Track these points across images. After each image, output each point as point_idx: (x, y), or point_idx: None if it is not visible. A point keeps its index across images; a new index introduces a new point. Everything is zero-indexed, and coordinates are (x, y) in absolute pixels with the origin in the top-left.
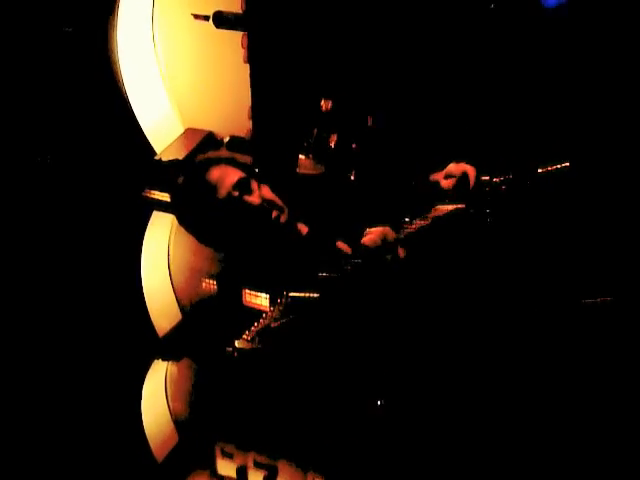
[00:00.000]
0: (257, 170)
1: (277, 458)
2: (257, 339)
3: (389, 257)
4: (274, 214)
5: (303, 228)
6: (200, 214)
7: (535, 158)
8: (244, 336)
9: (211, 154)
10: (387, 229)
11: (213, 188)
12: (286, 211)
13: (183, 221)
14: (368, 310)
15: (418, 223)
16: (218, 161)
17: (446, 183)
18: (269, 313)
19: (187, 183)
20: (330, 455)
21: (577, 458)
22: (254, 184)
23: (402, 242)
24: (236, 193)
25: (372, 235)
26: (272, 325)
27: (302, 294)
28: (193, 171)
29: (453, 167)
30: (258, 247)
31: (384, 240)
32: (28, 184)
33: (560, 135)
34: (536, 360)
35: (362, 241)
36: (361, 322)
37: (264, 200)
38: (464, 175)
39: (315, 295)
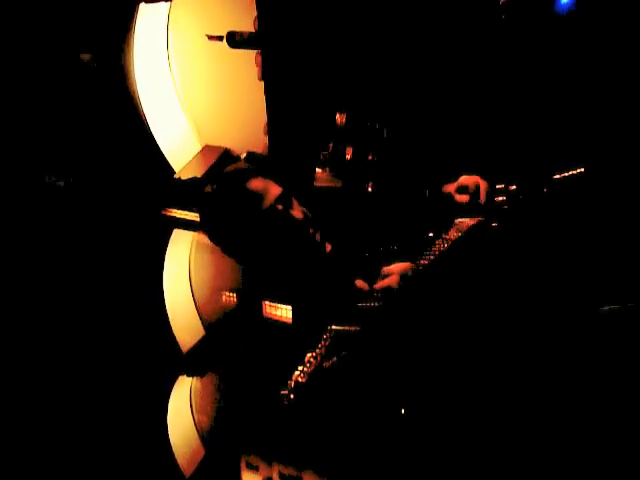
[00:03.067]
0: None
1: (302, 470)
2: (311, 380)
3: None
4: (311, 231)
5: (328, 245)
6: (235, 224)
7: (550, 164)
8: (298, 378)
9: (241, 164)
10: (406, 266)
11: (256, 198)
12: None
13: (212, 229)
14: (408, 338)
15: (439, 246)
16: (257, 172)
17: (460, 198)
18: (317, 350)
19: (221, 192)
20: (355, 466)
21: (589, 461)
22: (294, 200)
23: (424, 274)
24: (280, 206)
25: (392, 277)
26: (325, 365)
27: (345, 327)
28: (228, 180)
29: (465, 179)
30: (287, 260)
31: (404, 277)
32: (53, 205)
33: (574, 141)
34: (560, 371)
35: (381, 284)
36: (400, 350)
37: (305, 216)
38: (477, 188)
39: (357, 328)
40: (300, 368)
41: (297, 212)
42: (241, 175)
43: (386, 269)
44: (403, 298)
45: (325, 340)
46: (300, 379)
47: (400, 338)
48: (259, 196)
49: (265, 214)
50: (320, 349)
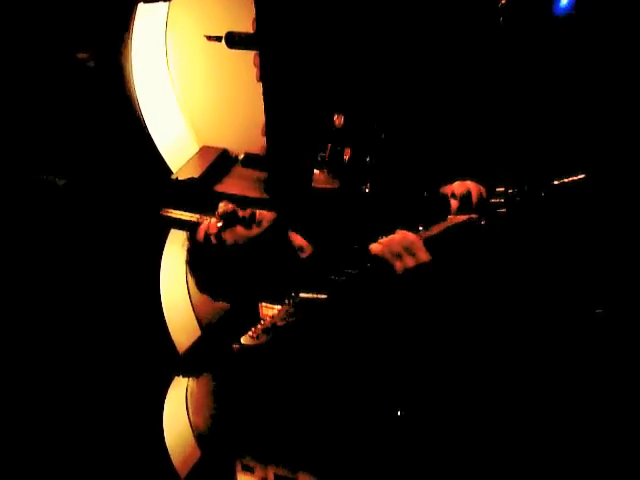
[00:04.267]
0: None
1: (297, 471)
2: (263, 336)
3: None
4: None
5: (307, 248)
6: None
7: (550, 170)
8: (250, 333)
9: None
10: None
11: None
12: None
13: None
14: (376, 313)
15: (428, 232)
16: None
17: (453, 203)
18: (277, 312)
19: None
20: (350, 467)
21: (589, 461)
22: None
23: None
24: (213, 239)
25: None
26: (278, 323)
27: (311, 295)
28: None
29: (457, 186)
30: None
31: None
32: (50, 205)
33: (575, 146)
34: (555, 371)
35: (372, 249)
36: (369, 325)
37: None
38: (467, 194)
39: (323, 296)
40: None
41: (228, 235)
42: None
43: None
44: (377, 272)
45: (287, 304)
46: (252, 333)
47: (364, 314)
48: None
49: (258, 241)
50: (280, 311)
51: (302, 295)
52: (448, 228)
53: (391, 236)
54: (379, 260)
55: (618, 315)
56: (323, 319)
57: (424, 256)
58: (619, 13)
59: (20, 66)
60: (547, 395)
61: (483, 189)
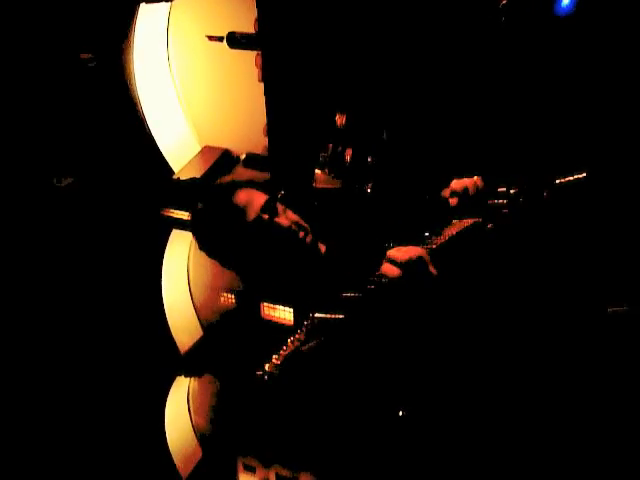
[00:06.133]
0: (282, 192)
1: (299, 471)
2: (287, 363)
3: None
4: (301, 235)
5: (322, 247)
6: (226, 238)
7: (552, 169)
8: (274, 360)
9: (228, 178)
10: (413, 252)
11: (241, 211)
12: (310, 232)
13: (206, 246)
14: (394, 329)
15: (436, 240)
16: (241, 184)
17: (452, 201)
18: (296, 335)
19: (209, 208)
20: (352, 468)
21: (589, 461)
22: (279, 206)
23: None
24: (266, 215)
25: (392, 267)
26: (302, 349)
27: (327, 315)
28: (215, 196)
29: (455, 184)
30: (282, 266)
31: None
32: (52, 206)
33: (576, 145)
34: (560, 370)
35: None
36: (387, 341)
37: (291, 222)
38: (465, 190)
39: (340, 316)
40: (278, 352)
41: (283, 219)
42: (226, 190)
43: (391, 253)
44: (390, 290)
45: (306, 327)
46: (275, 361)
47: (382, 329)
48: (244, 209)
49: (251, 226)
50: (300, 334)
51: (318, 315)
52: (455, 235)
53: (403, 253)
54: (392, 280)
55: (621, 313)
56: (341, 338)
57: (433, 271)
58: (620, 13)
59: (21, 66)
60: (552, 395)
61: (479, 181)
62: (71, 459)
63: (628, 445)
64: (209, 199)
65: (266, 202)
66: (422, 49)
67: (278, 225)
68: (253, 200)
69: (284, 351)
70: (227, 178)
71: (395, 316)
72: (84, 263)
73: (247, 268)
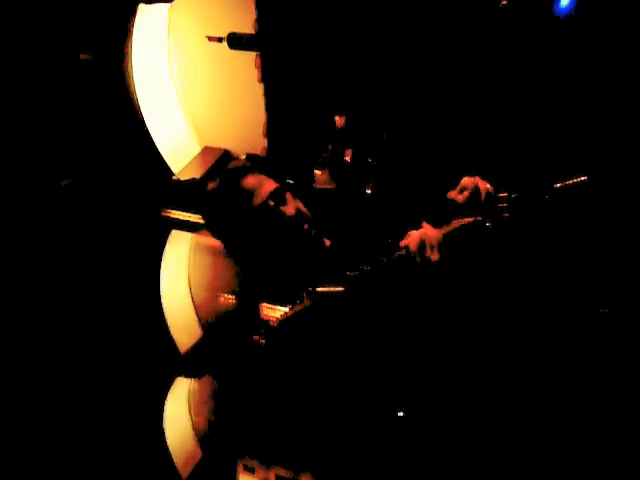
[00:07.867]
0: (292, 182)
1: (299, 472)
2: (282, 328)
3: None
4: (305, 227)
5: (326, 241)
6: (232, 220)
7: (552, 173)
8: (270, 324)
9: (241, 161)
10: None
11: (249, 195)
12: (314, 224)
13: (213, 227)
14: (391, 310)
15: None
16: (253, 169)
17: (460, 197)
18: (295, 305)
19: (220, 188)
20: (351, 468)
21: (589, 461)
22: (288, 195)
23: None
24: (272, 203)
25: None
26: (290, 312)
27: (327, 289)
28: (227, 177)
29: (466, 180)
30: (284, 258)
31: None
32: (52, 207)
33: (576, 149)
34: (558, 371)
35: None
36: (384, 321)
37: (298, 212)
38: (477, 189)
39: (339, 289)
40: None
41: (289, 208)
42: (238, 172)
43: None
44: (395, 270)
45: (304, 298)
46: (271, 324)
47: (380, 309)
48: (251, 193)
49: (256, 211)
50: (298, 304)
51: (319, 290)
52: (454, 230)
53: (423, 230)
54: (403, 255)
55: (621, 315)
56: (338, 312)
57: (436, 255)
58: (619, 14)
59: (21, 66)
60: (549, 395)
61: (490, 186)
62: (71, 459)
63: (627, 445)
64: (220, 180)
65: (275, 189)
66: (422, 49)
67: (282, 213)
68: (262, 186)
69: (281, 317)
70: (239, 162)
71: (394, 298)
72: (84, 263)
73: (248, 256)
